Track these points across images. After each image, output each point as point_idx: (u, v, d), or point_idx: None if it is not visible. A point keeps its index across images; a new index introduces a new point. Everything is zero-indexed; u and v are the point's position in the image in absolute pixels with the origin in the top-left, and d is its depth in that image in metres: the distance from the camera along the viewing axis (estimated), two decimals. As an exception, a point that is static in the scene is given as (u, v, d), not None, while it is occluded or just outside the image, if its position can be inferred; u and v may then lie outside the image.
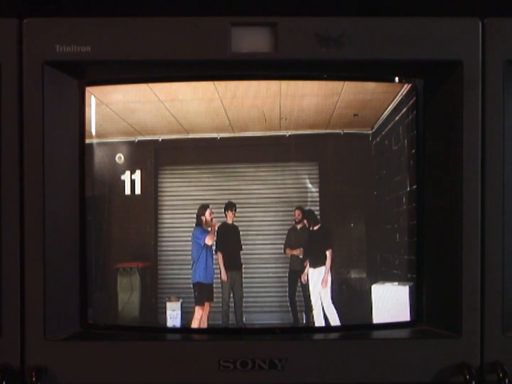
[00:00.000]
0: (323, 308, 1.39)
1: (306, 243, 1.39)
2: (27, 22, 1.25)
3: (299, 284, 1.40)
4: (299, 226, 1.39)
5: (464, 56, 1.27)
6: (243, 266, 1.39)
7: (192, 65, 1.28)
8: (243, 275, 1.39)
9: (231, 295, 1.39)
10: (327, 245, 1.38)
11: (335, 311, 1.38)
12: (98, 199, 1.36)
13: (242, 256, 1.39)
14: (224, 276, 1.39)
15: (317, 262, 1.39)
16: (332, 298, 1.38)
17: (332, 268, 1.38)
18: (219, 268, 1.39)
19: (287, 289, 1.40)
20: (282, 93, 1.34)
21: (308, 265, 1.39)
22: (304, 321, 1.40)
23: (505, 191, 1.28)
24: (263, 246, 1.39)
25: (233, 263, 1.39)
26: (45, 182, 1.26)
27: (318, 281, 1.39)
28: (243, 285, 1.38)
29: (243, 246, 1.39)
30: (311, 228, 1.39)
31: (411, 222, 1.35)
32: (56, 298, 1.28)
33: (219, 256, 1.38)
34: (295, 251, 1.40)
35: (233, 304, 1.39)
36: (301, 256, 1.39)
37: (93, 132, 1.34)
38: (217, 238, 1.38)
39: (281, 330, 1.38)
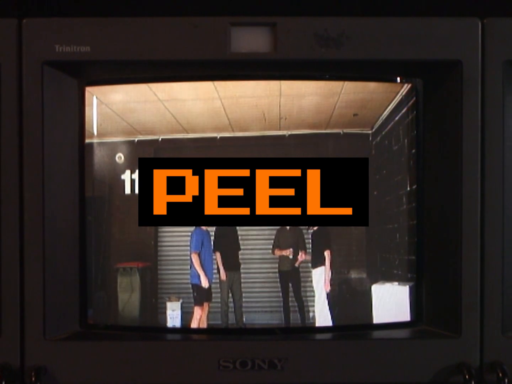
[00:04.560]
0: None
1: (300, 243, 1.39)
2: (26, 22, 1.25)
3: (290, 284, 1.40)
4: (289, 227, 1.39)
5: (463, 56, 1.27)
6: (241, 266, 1.39)
7: (191, 65, 1.28)
8: (242, 275, 1.39)
9: (230, 295, 1.39)
10: (325, 245, 1.38)
11: (329, 313, 1.38)
12: (98, 199, 1.36)
13: (240, 256, 1.39)
14: (223, 276, 1.39)
15: (316, 262, 1.39)
16: (328, 300, 1.38)
17: (331, 268, 1.38)
18: (218, 268, 1.39)
19: (280, 289, 1.40)
20: (281, 93, 1.34)
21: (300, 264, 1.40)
22: (300, 321, 1.40)
23: (505, 191, 1.28)
24: (262, 246, 1.39)
25: (232, 263, 1.39)
26: (45, 182, 1.26)
27: (319, 282, 1.39)
28: (243, 285, 1.38)
29: (241, 246, 1.39)
30: (309, 229, 1.39)
31: (411, 222, 1.35)
32: (56, 298, 1.28)
33: (218, 256, 1.39)
34: (284, 251, 1.40)
35: (232, 304, 1.39)
36: (291, 257, 1.39)
37: (95, 132, 1.34)
38: (215, 238, 1.38)
39: (281, 330, 1.38)
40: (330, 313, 1.38)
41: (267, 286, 1.39)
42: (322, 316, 1.38)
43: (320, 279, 1.39)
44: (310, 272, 1.39)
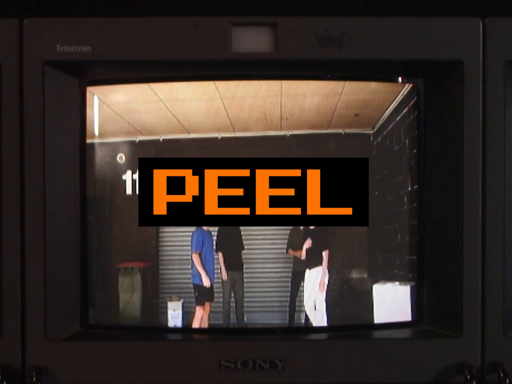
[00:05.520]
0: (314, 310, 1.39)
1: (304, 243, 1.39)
2: (27, 22, 1.25)
3: (301, 285, 1.40)
4: (302, 227, 1.38)
5: (464, 56, 1.26)
6: (244, 266, 1.39)
7: (192, 65, 1.28)
8: (244, 275, 1.39)
9: (232, 295, 1.39)
10: (324, 246, 1.38)
11: (325, 316, 1.38)
12: (99, 199, 1.36)
13: (243, 256, 1.39)
14: (224, 276, 1.39)
15: (313, 263, 1.39)
16: (326, 302, 1.38)
17: (330, 269, 1.38)
18: (220, 268, 1.39)
19: (289, 289, 1.40)
20: (282, 93, 1.34)
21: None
22: (303, 322, 1.40)
23: (506, 191, 1.28)
24: (264, 246, 1.39)
25: (234, 263, 1.39)
26: (46, 182, 1.26)
27: (315, 283, 1.39)
28: (245, 284, 1.38)
29: (245, 246, 1.39)
30: (309, 228, 1.38)
31: (412, 222, 1.35)
32: (57, 298, 1.28)
33: (220, 256, 1.39)
34: (298, 252, 1.39)
35: (234, 304, 1.39)
36: (302, 258, 1.39)
37: (96, 132, 1.34)
38: (217, 238, 1.38)
39: (282, 330, 1.38)
40: (326, 314, 1.38)
41: (269, 286, 1.39)
42: (318, 317, 1.39)
43: (315, 281, 1.39)
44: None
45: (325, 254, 1.38)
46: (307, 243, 1.39)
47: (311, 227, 1.38)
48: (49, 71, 1.26)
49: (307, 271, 1.39)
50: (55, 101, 1.28)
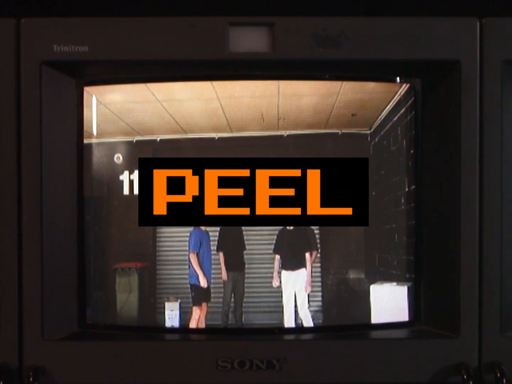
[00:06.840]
0: (296, 311, 1.39)
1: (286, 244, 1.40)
2: (24, 22, 1.25)
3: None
4: (291, 227, 1.38)
5: (462, 56, 1.27)
6: (245, 266, 1.39)
7: (190, 65, 1.28)
8: (246, 275, 1.39)
9: (233, 295, 1.39)
10: (304, 247, 1.38)
11: (309, 315, 1.38)
12: (96, 199, 1.36)
13: (245, 256, 1.39)
14: (224, 276, 1.39)
15: (298, 264, 1.39)
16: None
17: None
18: (220, 268, 1.39)
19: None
20: (280, 93, 1.34)
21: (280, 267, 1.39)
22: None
23: (503, 191, 1.28)
24: (264, 246, 1.39)
25: (236, 263, 1.39)
26: (43, 182, 1.26)
27: (302, 285, 1.38)
28: (245, 285, 1.38)
29: (246, 246, 1.39)
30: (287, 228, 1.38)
31: (410, 223, 1.35)
32: (54, 298, 1.28)
33: (221, 256, 1.38)
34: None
35: (233, 304, 1.39)
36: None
37: (93, 132, 1.34)
38: (219, 238, 1.38)
39: (279, 330, 1.38)
40: (311, 316, 1.38)
41: (267, 286, 1.39)
42: (306, 319, 1.39)
43: (297, 283, 1.39)
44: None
45: (308, 255, 1.38)
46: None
47: (289, 228, 1.38)
48: (46, 71, 1.26)
49: (287, 272, 1.38)
50: (52, 101, 1.28)
